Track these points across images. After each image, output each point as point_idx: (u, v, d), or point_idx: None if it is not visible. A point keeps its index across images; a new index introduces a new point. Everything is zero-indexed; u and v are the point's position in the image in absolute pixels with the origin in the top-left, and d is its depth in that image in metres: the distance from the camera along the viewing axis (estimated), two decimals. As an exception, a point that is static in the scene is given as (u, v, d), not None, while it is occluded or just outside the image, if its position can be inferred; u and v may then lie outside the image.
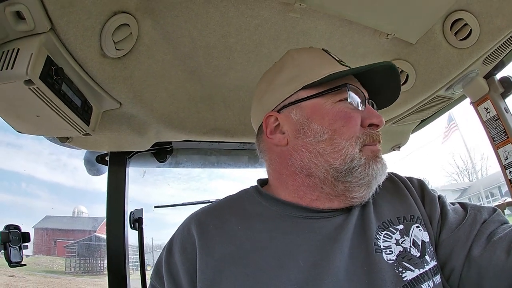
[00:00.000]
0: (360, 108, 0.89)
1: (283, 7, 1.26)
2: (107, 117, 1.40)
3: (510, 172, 1.64)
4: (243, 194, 1.00)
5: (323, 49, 1.01)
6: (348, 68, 0.93)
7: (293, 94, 0.93)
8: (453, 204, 0.95)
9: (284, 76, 0.96)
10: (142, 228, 1.82)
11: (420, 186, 0.99)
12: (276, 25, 1.34)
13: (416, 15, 1.41)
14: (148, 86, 1.37)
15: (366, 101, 0.91)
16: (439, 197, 0.95)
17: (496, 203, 1.78)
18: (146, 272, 1.82)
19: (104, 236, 1.78)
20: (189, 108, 1.63)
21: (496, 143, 1.69)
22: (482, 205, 0.94)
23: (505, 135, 1.64)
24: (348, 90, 0.87)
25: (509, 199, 1.66)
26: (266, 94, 1.00)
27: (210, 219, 0.91)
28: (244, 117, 1.77)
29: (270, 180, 1.01)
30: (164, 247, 0.94)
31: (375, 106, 1.00)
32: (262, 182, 1.04)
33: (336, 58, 0.97)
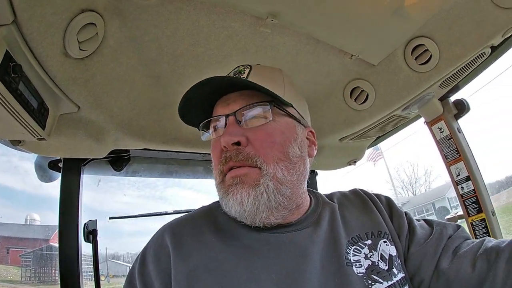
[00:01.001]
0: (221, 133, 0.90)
1: (254, 21, 1.30)
2: (63, 121, 1.35)
3: (461, 187, 1.81)
4: (216, 206, 1.01)
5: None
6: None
7: None
8: (418, 220, 1.04)
9: None
10: (97, 241, 1.76)
11: (388, 203, 1.07)
12: (246, 38, 1.38)
13: (380, 39, 1.51)
14: (109, 90, 1.34)
15: (227, 120, 0.90)
16: (406, 213, 1.04)
17: (448, 216, 1.93)
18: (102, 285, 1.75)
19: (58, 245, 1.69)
20: (150, 116, 1.61)
21: (449, 161, 1.86)
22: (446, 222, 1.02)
23: (457, 153, 1.82)
24: (200, 130, 0.99)
25: (460, 212, 1.83)
26: None
27: (185, 230, 0.93)
28: (206, 128, 1.77)
29: None
30: (137, 258, 0.94)
31: (251, 111, 0.92)
32: None
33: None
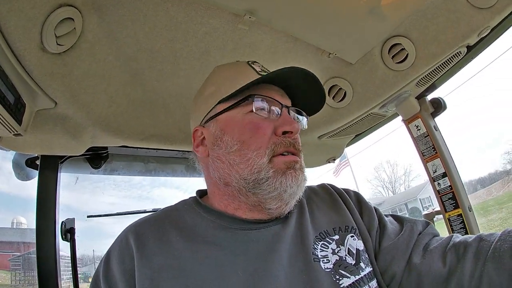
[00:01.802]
0: (273, 117, 0.95)
1: (232, 18, 1.35)
2: (40, 117, 1.36)
3: (438, 183, 1.89)
4: (182, 205, 1.04)
5: (249, 61, 1.07)
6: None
7: (212, 109, 1.01)
8: (386, 216, 1.09)
9: (206, 92, 1.05)
10: (75, 239, 1.75)
11: (357, 198, 1.11)
12: (224, 34, 1.42)
13: (357, 38, 1.58)
14: (86, 86, 1.36)
15: (283, 109, 0.96)
16: (375, 209, 1.08)
17: (426, 212, 2.02)
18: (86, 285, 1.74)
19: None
20: (128, 112, 1.63)
21: (425, 158, 1.95)
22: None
23: (433, 151, 1.91)
24: (253, 101, 0.94)
25: (437, 208, 1.91)
26: (195, 109, 1.10)
27: (149, 230, 0.93)
28: (185, 125, 1.79)
29: (207, 191, 1.07)
30: (102, 259, 0.94)
31: (297, 115, 1.04)
32: (202, 193, 1.09)
33: (257, 69, 1.03)
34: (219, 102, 0.98)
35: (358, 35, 1.55)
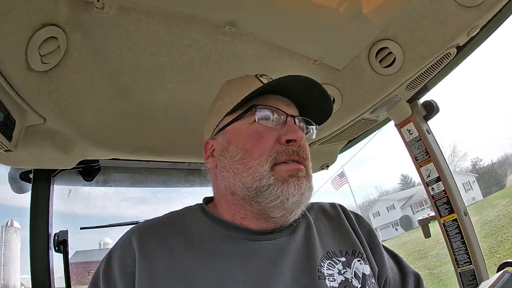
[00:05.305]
0: (278, 126, 0.99)
1: (213, 30, 1.42)
2: (30, 133, 1.44)
3: (432, 188, 1.92)
4: (187, 212, 1.07)
5: (258, 74, 1.13)
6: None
7: (221, 121, 1.06)
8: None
9: (216, 106, 1.11)
10: (67, 251, 1.83)
11: (368, 232, 1.13)
12: (207, 46, 1.49)
13: (342, 43, 1.63)
14: (74, 101, 1.44)
15: (288, 118, 0.99)
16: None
17: (420, 218, 2.03)
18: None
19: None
20: (116, 125, 1.70)
21: (419, 162, 1.97)
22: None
23: (427, 155, 1.93)
24: (255, 111, 0.99)
25: (432, 213, 1.93)
26: (206, 123, 1.15)
27: (152, 235, 0.96)
28: (174, 136, 1.88)
29: (214, 200, 1.11)
30: (103, 258, 0.98)
31: (305, 124, 1.09)
32: (208, 200, 1.13)
33: (263, 81, 1.07)
34: (227, 115, 1.04)
35: (343, 41, 1.60)
